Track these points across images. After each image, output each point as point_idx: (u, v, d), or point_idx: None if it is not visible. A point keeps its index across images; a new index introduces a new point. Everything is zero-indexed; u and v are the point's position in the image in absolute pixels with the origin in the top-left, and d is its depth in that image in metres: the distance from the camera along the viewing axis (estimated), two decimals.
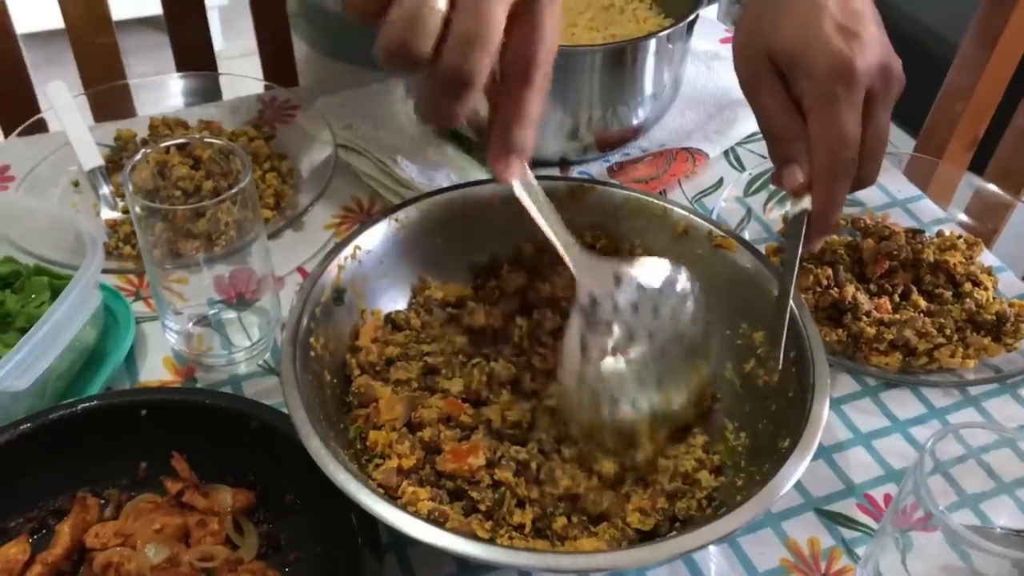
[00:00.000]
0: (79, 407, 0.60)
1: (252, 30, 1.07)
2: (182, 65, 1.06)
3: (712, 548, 0.61)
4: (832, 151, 0.63)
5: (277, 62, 1.02)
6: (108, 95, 0.96)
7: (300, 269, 0.78)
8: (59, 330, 0.61)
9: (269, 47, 1.02)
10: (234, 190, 0.62)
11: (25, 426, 0.58)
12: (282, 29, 1.00)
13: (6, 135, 1.00)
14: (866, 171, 0.65)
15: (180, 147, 0.74)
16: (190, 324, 0.70)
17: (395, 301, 0.68)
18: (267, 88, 0.95)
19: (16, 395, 0.60)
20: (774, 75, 0.65)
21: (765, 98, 0.66)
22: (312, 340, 0.60)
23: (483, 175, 0.87)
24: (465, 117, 0.50)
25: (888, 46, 0.65)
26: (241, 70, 1.05)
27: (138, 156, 0.62)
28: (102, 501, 0.60)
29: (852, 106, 0.62)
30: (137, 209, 0.61)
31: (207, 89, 0.99)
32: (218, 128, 0.87)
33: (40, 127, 0.91)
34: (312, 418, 0.54)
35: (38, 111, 0.99)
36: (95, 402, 0.60)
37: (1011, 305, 0.73)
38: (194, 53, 1.04)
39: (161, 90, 0.99)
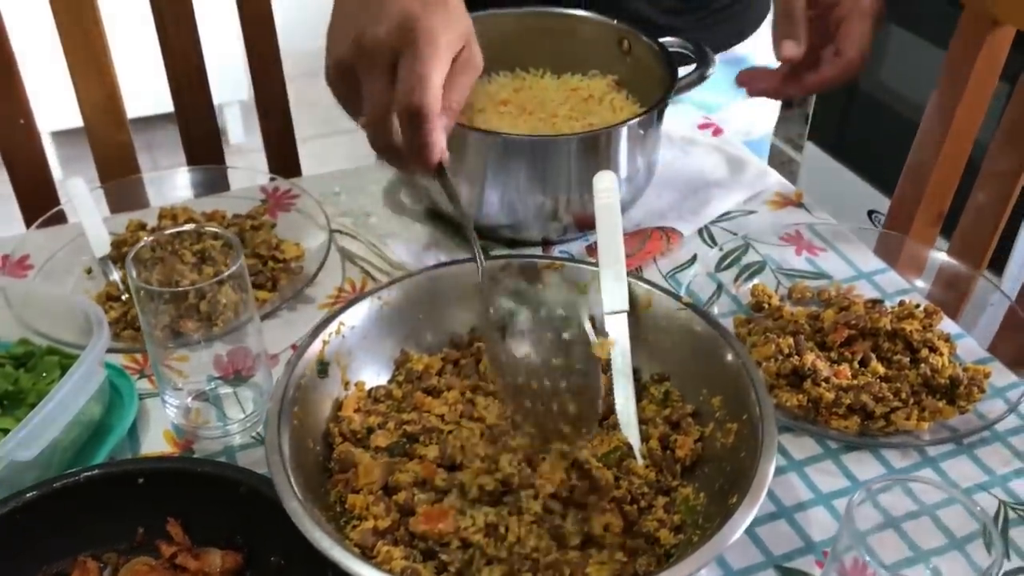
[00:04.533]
0: (81, 476, 0.64)
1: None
2: (192, 159, 1.13)
3: None
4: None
5: (281, 154, 1.09)
6: (123, 188, 1.03)
7: (294, 346, 0.83)
8: (65, 405, 0.66)
9: (273, 140, 1.09)
10: (225, 274, 0.68)
11: (31, 494, 0.63)
12: (285, 124, 1.07)
13: (28, 226, 1.07)
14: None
15: (183, 235, 0.80)
16: (189, 399, 0.74)
17: (378, 373, 0.73)
18: (270, 179, 1.02)
19: (24, 465, 0.65)
20: None
21: None
22: (296, 410, 0.64)
23: (467, 254, 0.93)
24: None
25: None
26: (259, 161, 1.12)
27: (140, 244, 0.68)
28: (101, 564, 0.64)
29: None
30: (140, 292, 0.67)
31: (215, 180, 1.06)
32: (222, 217, 0.93)
33: (59, 219, 0.98)
34: (294, 482, 0.58)
35: (58, 204, 1.07)
36: (96, 471, 0.65)
37: (965, 369, 0.76)
38: (204, 147, 1.11)
39: (172, 182, 1.06)
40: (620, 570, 0.60)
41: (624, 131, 0.88)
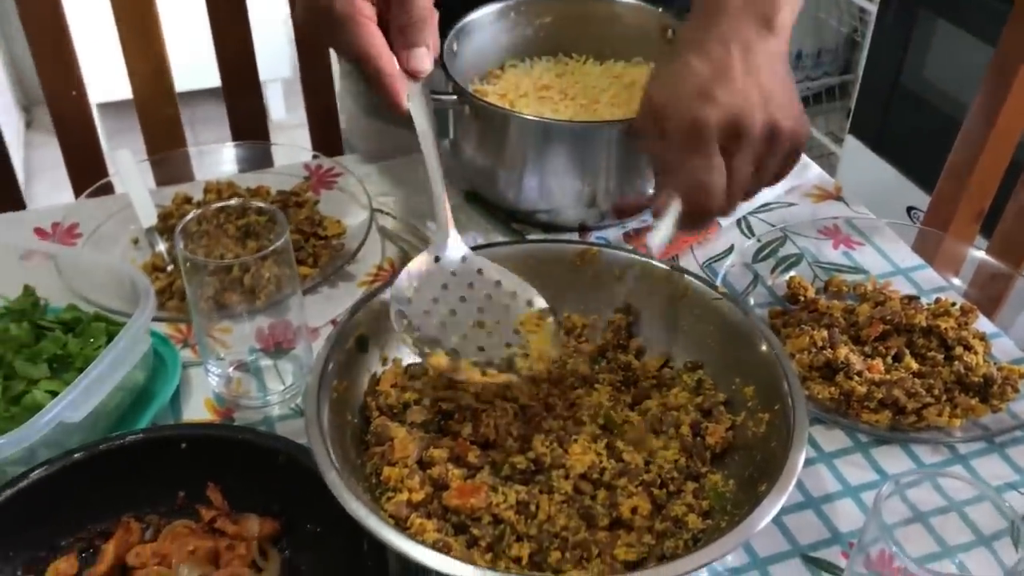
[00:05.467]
0: (126, 439, 0.67)
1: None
2: (237, 135, 1.15)
3: None
4: (693, 196, 0.71)
5: (324, 133, 1.11)
6: (169, 161, 1.05)
7: (334, 321, 0.85)
8: (112, 370, 0.68)
9: (317, 120, 1.11)
10: (270, 248, 0.69)
11: (78, 455, 0.65)
12: (329, 104, 1.09)
13: (77, 195, 1.10)
14: (727, 207, 0.72)
15: (228, 209, 0.82)
16: (231, 369, 0.76)
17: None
18: (313, 157, 1.03)
19: (70, 427, 0.67)
20: (652, 121, 0.74)
21: (645, 140, 0.75)
22: (336, 383, 0.66)
23: (504, 237, 0.94)
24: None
25: (779, 107, 0.71)
26: (300, 138, 1.14)
27: (188, 216, 0.70)
28: (143, 525, 0.66)
29: (703, 160, 0.70)
30: (187, 264, 0.69)
31: (259, 157, 1.08)
32: (266, 192, 0.95)
33: (107, 189, 1.00)
34: (332, 453, 0.60)
35: (107, 175, 1.09)
36: (140, 435, 0.67)
37: (1000, 368, 0.76)
38: (249, 123, 1.13)
39: (217, 157, 1.08)
40: (648, 552, 0.61)
41: None
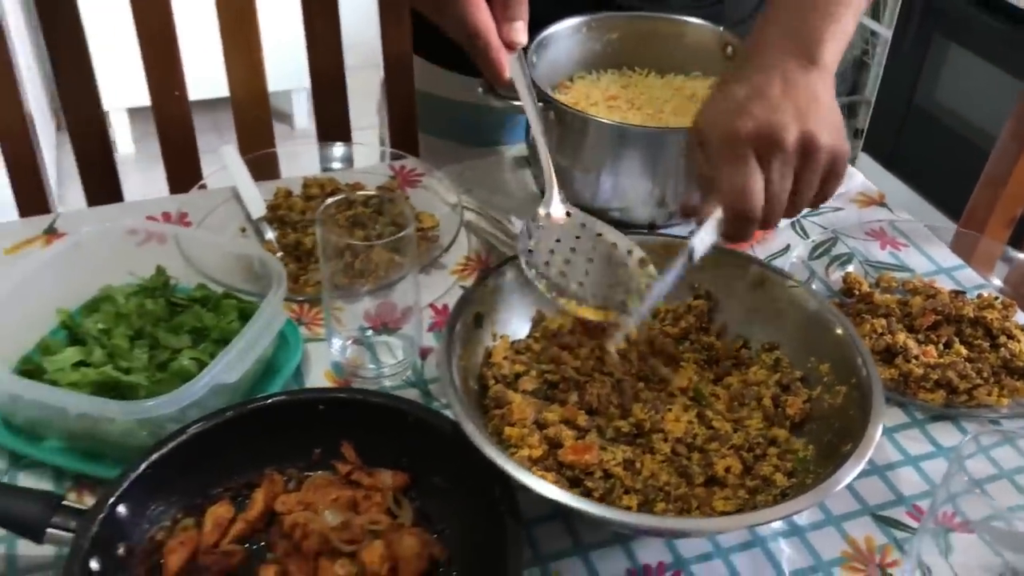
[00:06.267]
0: (271, 400, 0.74)
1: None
2: (322, 135, 1.23)
3: (783, 540, 0.73)
4: (730, 202, 0.74)
5: (403, 136, 1.19)
6: (260, 159, 1.13)
7: (431, 305, 0.93)
8: (257, 338, 0.76)
9: (398, 123, 1.19)
10: (402, 233, 0.77)
11: (229, 413, 0.73)
12: (409, 106, 1.17)
13: (171, 189, 1.18)
14: (768, 217, 0.75)
15: (341, 201, 0.90)
16: (349, 342, 0.84)
17: (518, 329, 0.83)
18: (396, 157, 1.11)
19: (217, 390, 0.74)
20: (696, 141, 0.79)
21: (693, 159, 0.80)
22: (459, 353, 0.74)
23: None
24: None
25: (816, 121, 0.74)
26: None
27: (329, 201, 0.78)
28: (285, 478, 0.74)
29: (739, 167, 0.73)
30: (328, 246, 0.77)
31: (340, 157, 1.16)
32: (362, 187, 1.03)
33: (202, 184, 1.08)
34: (467, 410, 0.68)
35: (199, 169, 1.17)
36: (283, 397, 0.75)
37: None
38: (333, 124, 1.21)
39: (303, 157, 1.16)
40: (743, 505, 0.69)
41: None
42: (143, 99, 1.11)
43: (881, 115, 2.47)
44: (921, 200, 2.28)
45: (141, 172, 1.28)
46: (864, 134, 2.62)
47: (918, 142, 2.36)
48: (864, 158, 2.55)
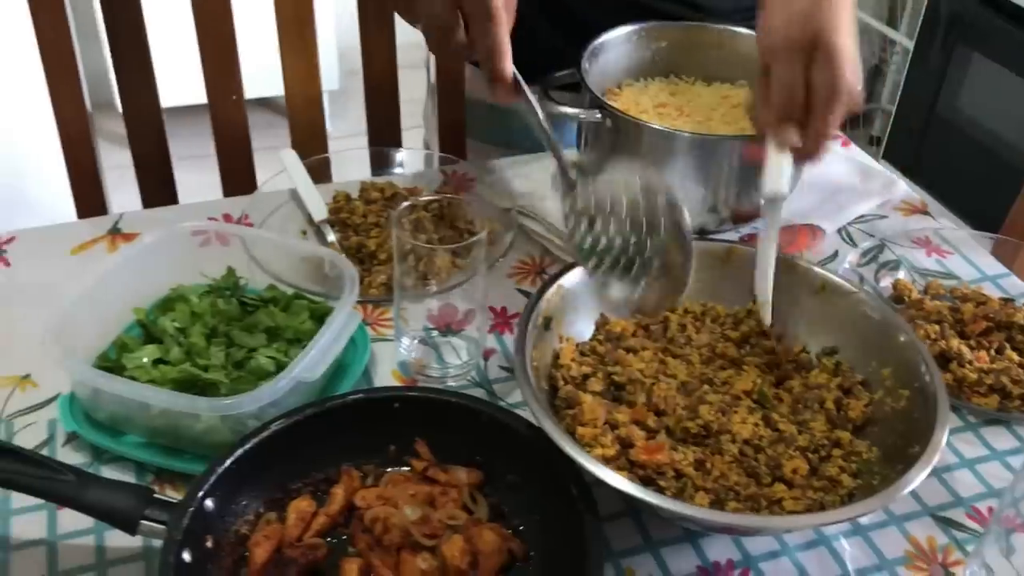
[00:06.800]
0: (348, 398, 0.76)
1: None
2: (373, 138, 1.25)
3: (846, 540, 0.75)
4: (777, 96, 0.85)
5: (452, 142, 1.21)
6: (313, 164, 1.15)
7: (490, 308, 0.95)
8: (335, 337, 0.78)
9: (447, 129, 1.21)
10: (475, 237, 0.79)
11: (309, 411, 0.75)
12: (459, 112, 1.19)
13: (225, 192, 1.20)
14: (812, 119, 0.84)
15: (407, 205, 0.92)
16: (415, 342, 0.86)
17: (583, 332, 0.85)
18: (445, 161, 1.13)
19: (295, 388, 0.76)
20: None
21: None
22: (533, 353, 0.76)
23: None
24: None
25: (834, 30, 0.82)
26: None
27: (404, 204, 0.80)
28: (362, 474, 0.76)
29: (782, 68, 0.84)
30: (405, 247, 0.79)
31: (389, 161, 1.18)
32: (420, 192, 1.05)
33: (252, 187, 1.10)
34: (545, 409, 0.70)
35: (254, 174, 1.19)
36: (360, 395, 0.77)
37: None
38: (384, 127, 1.24)
39: (353, 161, 1.18)
40: (810, 505, 0.71)
41: None
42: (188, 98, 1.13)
43: (901, 124, 2.50)
44: (943, 209, 2.30)
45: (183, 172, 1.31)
46: (884, 143, 2.65)
47: (940, 152, 2.38)
48: (884, 165, 2.57)
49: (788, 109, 0.84)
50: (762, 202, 0.87)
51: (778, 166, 0.86)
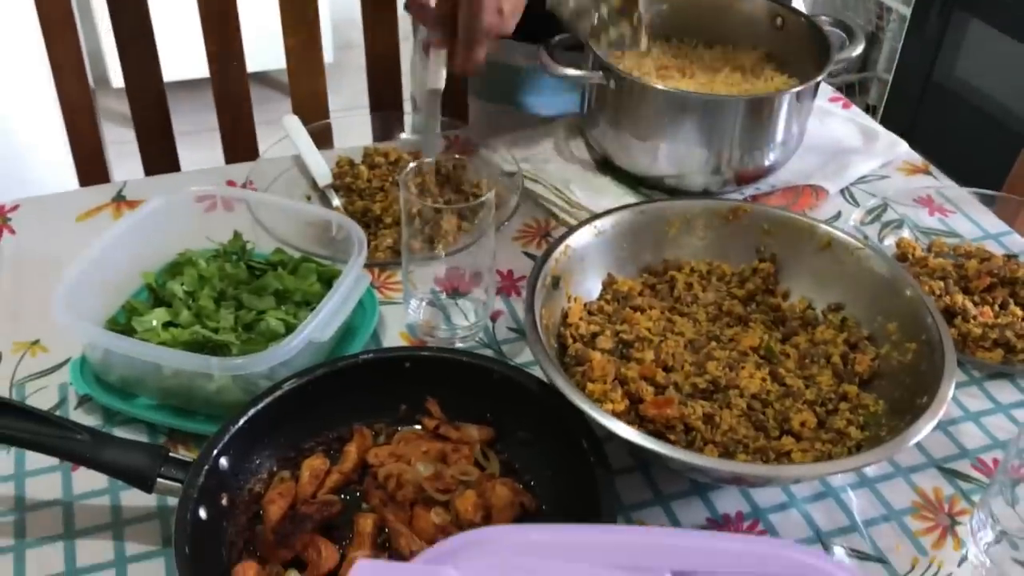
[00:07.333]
0: (360, 358, 0.77)
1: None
2: (374, 106, 1.25)
3: (854, 492, 0.76)
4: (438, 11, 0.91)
5: (453, 103, 1.21)
6: (314, 130, 1.15)
7: (496, 270, 0.95)
8: (345, 299, 0.78)
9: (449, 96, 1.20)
10: (482, 198, 0.80)
11: (320, 371, 0.75)
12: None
13: (226, 159, 1.20)
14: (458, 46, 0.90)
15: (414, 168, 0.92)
16: (423, 304, 0.87)
17: (591, 291, 0.85)
18: (449, 126, 1.13)
19: (304, 350, 0.77)
20: None
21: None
22: (542, 312, 0.76)
23: (636, 196, 1.04)
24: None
25: None
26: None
27: (411, 166, 0.80)
28: (373, 432, 0.76)
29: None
30: (412, 209, 0.79)
31: (389, 127, 1.18)
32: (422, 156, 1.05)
33: (254, 154, 1.09)
34: (556, 366, 0.70)
35: (256, 142, 1.19)
36: (371, 355, 0.77)
37: None
38: (386, 94, 1.23)
39: (355, 127, 1.18)
40: (819, 457, 0.72)
41: (786, 98, 0.99)
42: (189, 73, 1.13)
43: (898, 92, 2.49)
44: (940, 175, 2.30)
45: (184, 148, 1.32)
46: (880, 112, 2.64)
47: (937, 119, 2.38)
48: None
49: (445, 28, 0.91)
50: (426, 93, 0.96)
51: (438, 66, 0.93)
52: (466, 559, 0.44)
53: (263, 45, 1.57)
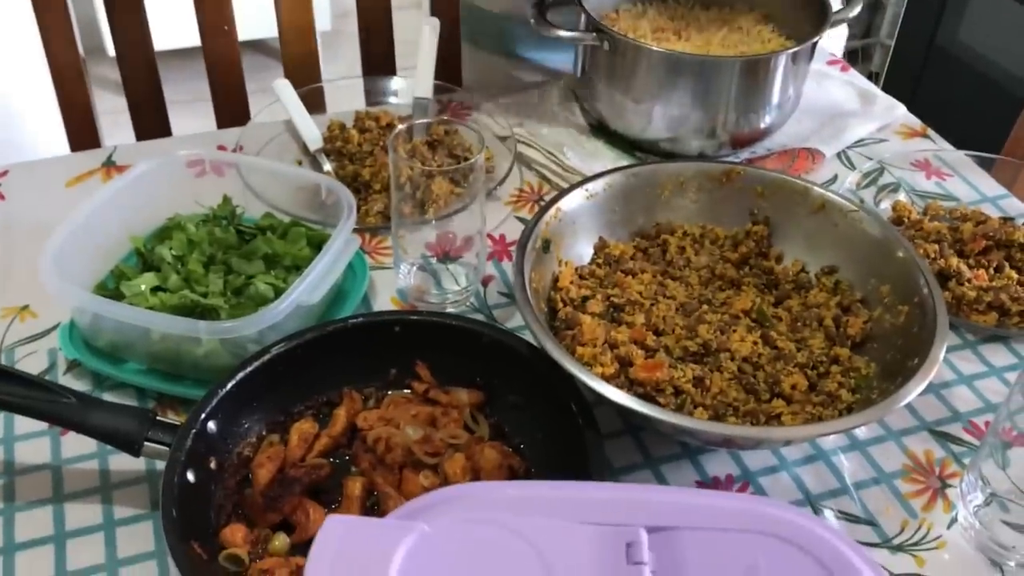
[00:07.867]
0: (349, 322, 0.76)
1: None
2: (368, 72, 1.23)
3: (844, 455, 0.76)
4: None
5: (448, 67, 1.20)
6: (306, 94, 1.14)
7: (488, 235, 0.94)
8: (334, 262, 0.78)
9: (443, 61, 1.19)
10: (471, 160, 0.79)
11: (309, 335, 0.75)
12: (454, 35, 1.18)
13: (219, 125, 1.19)
14: None
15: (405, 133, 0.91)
16: (414, 269, 0.86)
17: (582, 255, 0.84)
18: (441, 90, 1.12)
19: (293, 314, 0.76)
20: None
21: None
22: (532, 275, 0.76)
23: (631, 160, 1.03)
24: None
25: None
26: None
27: (400, 128, 0.79)
28: (363, 396, 0.76)
29: None
30: (402, 172, 0.78)
31: (383, 91, 1.17)
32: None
33: (245, 119, 1.08)
34: (545, 329, 0.70)
35: (247, 107, 1.18)
36: (360, 319, 0.77)
37: None
38: (378, 60, 1.22)
39: (347, 91, 1.16)
40: (809, 419, 0.72)
41: (783, 59, 0.98)
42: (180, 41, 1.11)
43: (900, 58, 2.47)
44: (938, 138, 2.28)
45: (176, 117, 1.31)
46: (882, 78, 2.62)
47: (939, 85, 2.35)
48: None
49: None
50: None
51: None
52: (439, 515, 0.43)
53: (258, 10, 1.56)
